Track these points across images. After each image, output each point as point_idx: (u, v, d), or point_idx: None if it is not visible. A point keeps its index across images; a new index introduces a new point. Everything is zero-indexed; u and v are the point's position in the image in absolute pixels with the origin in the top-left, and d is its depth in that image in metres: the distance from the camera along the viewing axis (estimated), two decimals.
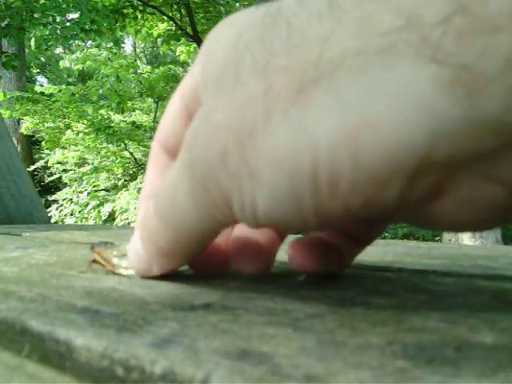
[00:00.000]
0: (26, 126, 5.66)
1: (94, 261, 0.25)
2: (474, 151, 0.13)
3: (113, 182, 7.49)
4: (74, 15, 4.03)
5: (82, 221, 7.04)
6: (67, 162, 6.95)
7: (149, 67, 6.18)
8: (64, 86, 5.53)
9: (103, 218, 7.08)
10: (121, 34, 5.79)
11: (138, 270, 0.22)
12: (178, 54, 6.33)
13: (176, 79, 5.54)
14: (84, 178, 7.10)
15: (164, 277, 0.22)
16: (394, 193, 0.14)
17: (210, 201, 0.17)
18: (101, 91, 5.39)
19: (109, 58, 5.46)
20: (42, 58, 10.45)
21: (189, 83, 0.21)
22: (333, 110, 0.14)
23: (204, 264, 0.23)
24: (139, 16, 5.14)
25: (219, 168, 0.16)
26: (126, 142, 5.73)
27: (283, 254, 0.30)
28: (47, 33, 3.86)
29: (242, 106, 0.15)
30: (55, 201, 7.32)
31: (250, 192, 0.15)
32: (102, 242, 0.25)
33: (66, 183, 7.44)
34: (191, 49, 5.85)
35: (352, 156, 0.13)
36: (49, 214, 6.20)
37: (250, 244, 0.22)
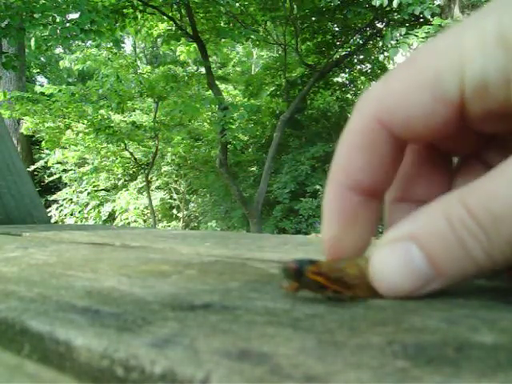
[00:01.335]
0: (26, 126, 5.66)
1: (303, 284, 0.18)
2: None
3: (113, 181, 7.49)
4: (74, 15, 4.03)
5: (82, 221, 7.04)
6: (67, 162, 6.95)
7: (149, 67, 6.18)
8: (64, 86, 5.52)
9: (103, 217, 7.08)
10: (121, 34, 5.79)
11: (405, 287, 0.18)
12: (178, 53, 6.32)
13: (176, 79, 5.53)
14: (84, 178, 7.10)
15: (164, 276, 0.22)
16: None
17: None
18: (101, 91, 5.38)
19: (109, 58, 5.46)
20: (42, 58, 10.45)
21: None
22: None
23: None
24: (139, 16, 5.13)
25: None
26: (125, 141, 5.73)
27: (284, 255, 0.30)
28: (47, 33, 3.86)
29: None
30: (55, 201, 7.32)
31: None
32: (298, 260, 0.19)
33: (66, 183, 7.45)
34: (191, 49, 5.84)
35: None
36: (49, 214, 6.20)
37: None
